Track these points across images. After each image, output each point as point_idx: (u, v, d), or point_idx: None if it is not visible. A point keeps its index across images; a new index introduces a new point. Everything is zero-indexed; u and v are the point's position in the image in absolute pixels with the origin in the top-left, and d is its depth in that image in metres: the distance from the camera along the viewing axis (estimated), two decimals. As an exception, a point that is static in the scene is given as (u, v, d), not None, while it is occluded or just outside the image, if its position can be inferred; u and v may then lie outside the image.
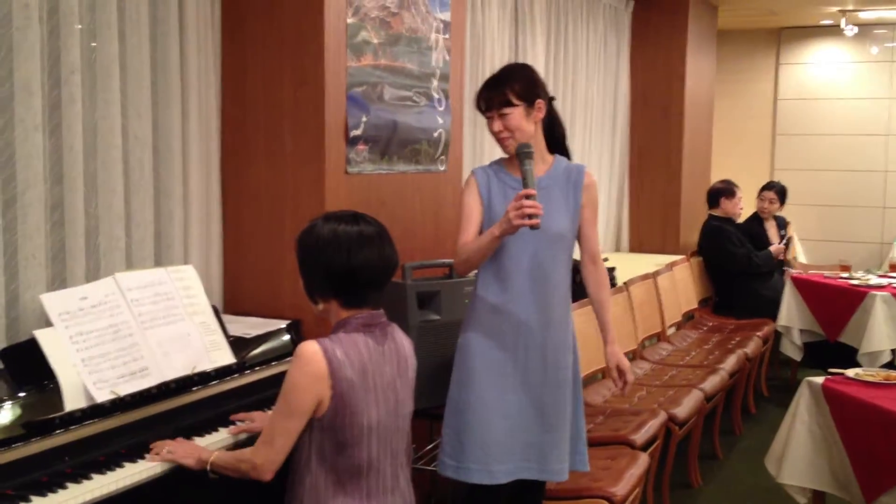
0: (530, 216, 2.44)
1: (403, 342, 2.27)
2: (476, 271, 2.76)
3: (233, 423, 2.47)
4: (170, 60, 3.00)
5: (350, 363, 2.08)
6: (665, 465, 4.01)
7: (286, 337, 2.88)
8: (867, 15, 8.18)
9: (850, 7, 7.73)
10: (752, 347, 5.34)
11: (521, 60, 4.96)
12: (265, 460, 2.09)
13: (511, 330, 2.70)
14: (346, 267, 2.12)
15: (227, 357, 2.58)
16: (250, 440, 2.36)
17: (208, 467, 2.16)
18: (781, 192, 6.60)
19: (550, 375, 2.74)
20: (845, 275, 5.79)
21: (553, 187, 2.74)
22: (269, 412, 2.46)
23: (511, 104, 2.70)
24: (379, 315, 2.20)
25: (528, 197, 2.45)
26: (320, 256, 2.14)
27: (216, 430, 2.42)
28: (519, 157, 2.60)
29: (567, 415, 2.78)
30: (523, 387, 2.71)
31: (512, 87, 2.71)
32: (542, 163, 2.77)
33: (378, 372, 2.14)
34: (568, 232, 2.76)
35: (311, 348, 2.07)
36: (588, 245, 2.85)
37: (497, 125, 2.71)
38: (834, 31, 8.56)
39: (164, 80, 3.00)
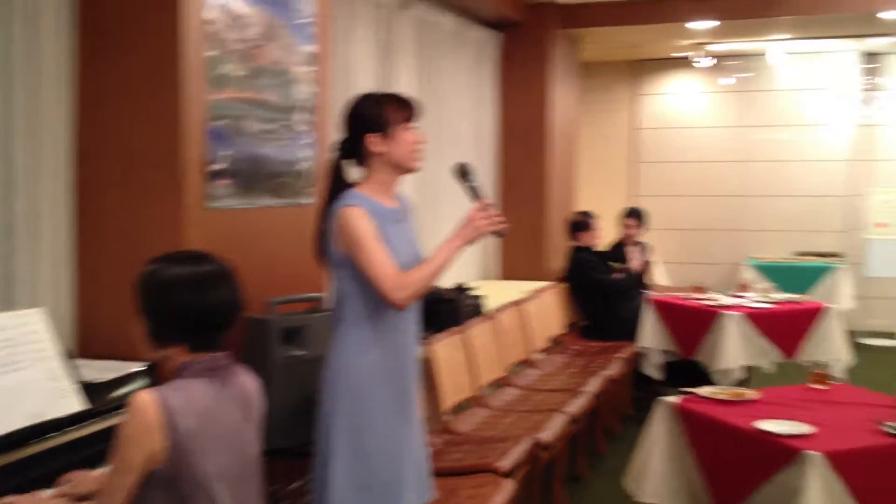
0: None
1: (248, 383, 2.17)
2: (339, 306, 2.65)
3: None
4: (15, 92, 2.90)
5: (189, 411, 1.97)
6: (532, 490, 4.08)
7: (144, 380, 2.80)
8: (719, 47, 8.62)
9: (704, 40, 8.12)
10: (615, 369, 5.50)
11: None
12: None
13: (397, 362, 2.66)
14: (200, 308, 2.02)
15: (75, 404, 2.48)
16: None
17: None
18: (640, 217, 6.85)
19: (415, 393, 2.75)
20: (698, 296, 6.04)
21: (409, 218, 2.77)
22: (91, 472, 2.29)
23: None
24: (222, 357, 2.09)
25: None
26: (171, 298, 2.02)
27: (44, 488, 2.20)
28: (463, 174, 2.62)
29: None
30: (408, 412, 2.69)
31: None
32: (394, 197, 2.74)
33: (221, 417, 2.04)
34: None
35: (142, 398, 1.93)
36: None
37: (418, 136, 2.66)
38: (689, 62, 9.00)
39: (9, 112, 2.89)
